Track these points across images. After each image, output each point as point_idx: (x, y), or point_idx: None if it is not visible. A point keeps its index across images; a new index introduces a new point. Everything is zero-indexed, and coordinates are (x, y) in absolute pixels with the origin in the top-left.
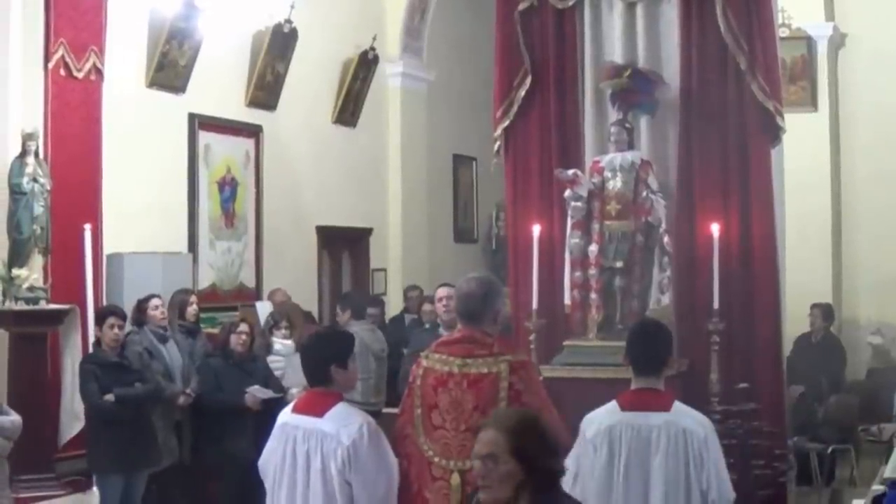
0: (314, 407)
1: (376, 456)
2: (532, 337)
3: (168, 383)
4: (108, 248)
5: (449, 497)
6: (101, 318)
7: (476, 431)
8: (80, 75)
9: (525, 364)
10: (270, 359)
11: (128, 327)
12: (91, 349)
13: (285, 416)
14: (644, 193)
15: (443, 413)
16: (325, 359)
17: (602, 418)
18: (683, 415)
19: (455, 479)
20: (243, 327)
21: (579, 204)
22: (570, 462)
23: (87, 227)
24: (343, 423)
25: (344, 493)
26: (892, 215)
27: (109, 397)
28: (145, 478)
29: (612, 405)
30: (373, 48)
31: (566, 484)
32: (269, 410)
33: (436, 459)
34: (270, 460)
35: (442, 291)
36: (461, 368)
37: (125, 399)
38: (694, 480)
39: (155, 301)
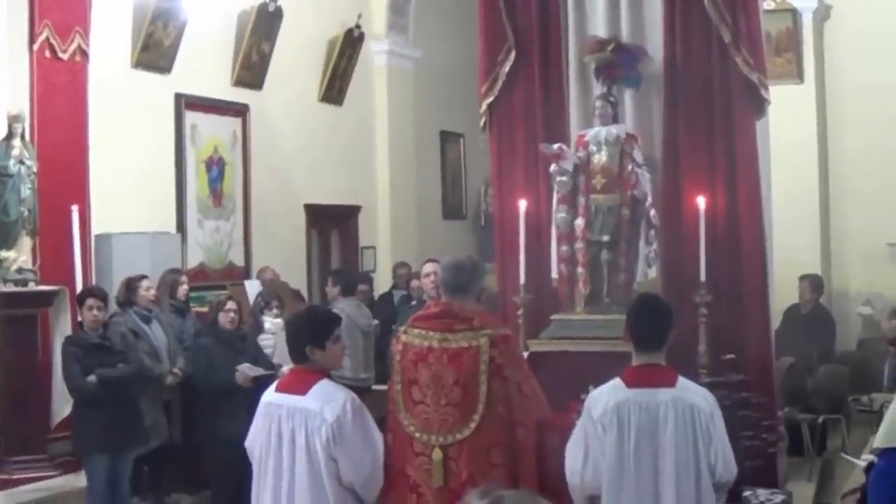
0: (297, 385)
1: (361, 432)
2: (520, 311)
3: (155, 363)
4: (96, 228)
5: (431, 472)
6: (80, 300)
7: (457, 405)
8: (66, 57)
9: (506, 338)
10: (261, 337)
11: (113, 308)
12: (75, 331)
13: (269, 395)
14: (629, 167)
15: (423, 388)
16: (301, 340)
17: (608, 396)
18: (689, 390)
19: (437, 454)
20: (231, 305)
21: (565, 178)
22: (576, 442)
23: (75, 208)
24: (326, 399)
25: (330, 469)
26: (880, 186)
27: (92, 378)
28: (131, 458)
29: (617, 382)
30: (358, 26)
31: (576, 466)
32: (260, 388)
33: (417, 435)
34: (256, 440)
35: (428, 267)
36: (441, 343)
37: (107, 380)
38: (702, 455)
39: (146, 282)
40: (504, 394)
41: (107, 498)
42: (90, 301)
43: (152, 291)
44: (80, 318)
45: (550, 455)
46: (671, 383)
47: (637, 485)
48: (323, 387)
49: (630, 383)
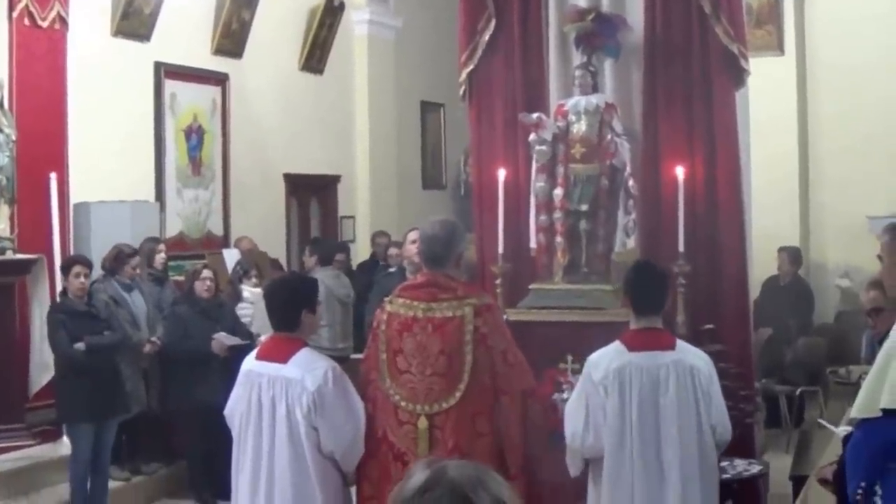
0: (278, 353)
1: (342, 401)
2: (498, 281)
3: (134, 331)
4: (75, 197)
5: (416, 440)
6: (66, 268)
7: (443, 375)
8: (45, 24)
9: (489, 307)
10: (240, 306)
11: (96, 275)
12: (58, 299)
13: (249, 363)
14: (608, 136)
15: (408, 358)
16: (297, 304)
17: (609, 360)
18: (689, 352)
19: (423, 422)
20: (206, 273)
21: (544, 147)
22: (576, 405)
23: (54, 176)
24: (308, 368)
25: (310, 438)
26: (859, 159)
27: (80, 346)
28: (115, 426)
29: (618, 346)
30: None
31: (577, 428)
32: (237, 357)
33: (402, 404)
34: (236, 408)
35: (413, 234)
36: (426, 313)
37: (96, 347)
38: (703, 416)
39: (135, 260)
40: (489, 363)
41: (89, 466)
42: (77, 268)
43: (137, 270)
44: (62, 286)
45: (531, 424)
46: (671, 346)
47: (640, 448)
48: (304, 355)
49: (631, 347)
